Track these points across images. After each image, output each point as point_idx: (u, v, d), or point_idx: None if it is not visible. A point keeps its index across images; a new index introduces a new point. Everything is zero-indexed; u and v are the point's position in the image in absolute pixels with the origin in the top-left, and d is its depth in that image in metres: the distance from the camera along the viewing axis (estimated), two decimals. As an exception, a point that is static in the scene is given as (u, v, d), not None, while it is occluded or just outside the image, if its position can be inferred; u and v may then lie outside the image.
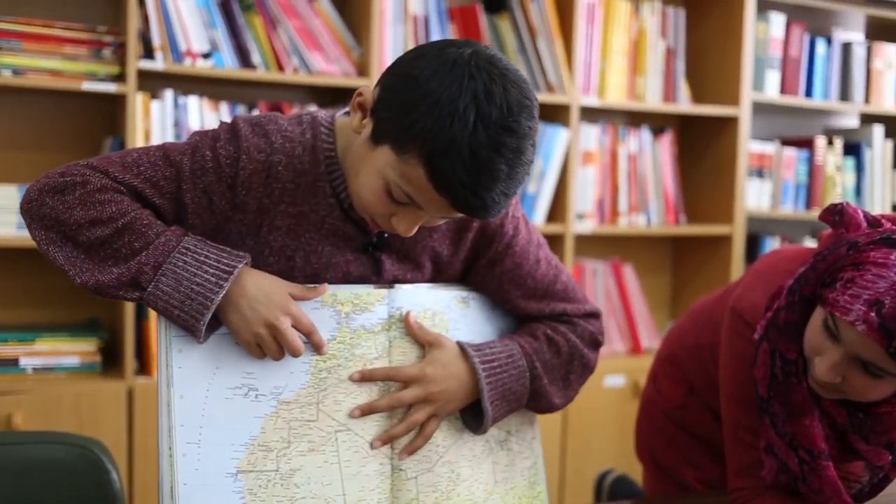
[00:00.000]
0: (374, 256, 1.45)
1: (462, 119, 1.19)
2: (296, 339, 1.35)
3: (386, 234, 1.43)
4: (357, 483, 1.39)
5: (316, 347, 1.38)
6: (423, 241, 1.46)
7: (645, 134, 3.46)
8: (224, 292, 1.31)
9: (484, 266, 1.52)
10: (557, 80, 3.23)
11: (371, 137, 1.29)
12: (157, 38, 2.76)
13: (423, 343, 1.47)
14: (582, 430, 3.25)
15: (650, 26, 3.42)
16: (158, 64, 2.75)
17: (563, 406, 1.57)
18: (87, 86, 2.68)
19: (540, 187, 3.23)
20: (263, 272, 1.37)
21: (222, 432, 1.34)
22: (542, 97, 3.17)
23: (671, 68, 3.49)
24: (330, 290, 1.41)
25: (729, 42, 3.51)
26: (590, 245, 3.56)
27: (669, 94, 3.49)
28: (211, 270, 1.31)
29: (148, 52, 2.77)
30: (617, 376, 3.29)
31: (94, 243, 1.31)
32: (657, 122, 3.60)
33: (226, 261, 1.32)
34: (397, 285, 1.46)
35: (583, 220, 3.30)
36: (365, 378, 1.42)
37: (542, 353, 1.52)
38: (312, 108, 3.05)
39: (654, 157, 3.49)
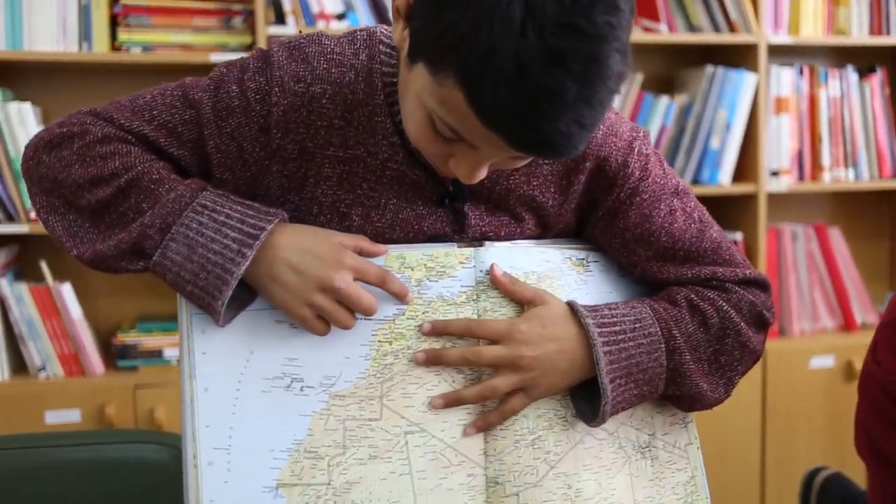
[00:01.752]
0: (455, 209, 1.14)
1: (503, 17, 0.86)
2: (366, 294, 1.07)
3: None
4: (436, 500, 1.09)
5: (400, 297, 1.10)
6: (519, 187, 1.14)
7: (850, 74, 3.08)
8: (247, 262, 1.03)
9: (603, 218, 1.18)
10: (739, 16, 2.89)
11: (408, 53, 0.98)
12: (287, 2, 2.66)
13: (520, 300, 1.14)
14: (785, 420, 2.94)
15: (851, -53, 3.03)
16: (290, 29, 2.66)
17: (715, 399, 1.19)
18: (216, 57, 2.59)
19: (725, 141, 2.90)
20: (301, 226, 1.10)
21: (259, 435, 1.07)
22: (724, 38, 2.89)
23: (880, -6, 3.08)
24: (395, 250, 1.11)
25: (951, -41, 3.07)
26: (787, 206, 3.23)
27: (878, 25, 3.08)
28: (232, 234, 1.04)
29: (279, 18, 2.67)
30: (825, 357, 2.96)
31: (97, 207, 1.08)
32: (864, 60, 3.20)
33: (252, 220, 1.05)
34: (488, 243, 1.15)
35: (778, 177, 2.98)
36: (437, 330, 1.11)
37: (682, 321, 1.16)
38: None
39: (863, 100, 3.10)
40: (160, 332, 2.62)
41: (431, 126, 0.98)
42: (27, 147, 1.13)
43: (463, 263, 1.13)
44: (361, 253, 1.10)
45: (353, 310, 1.08)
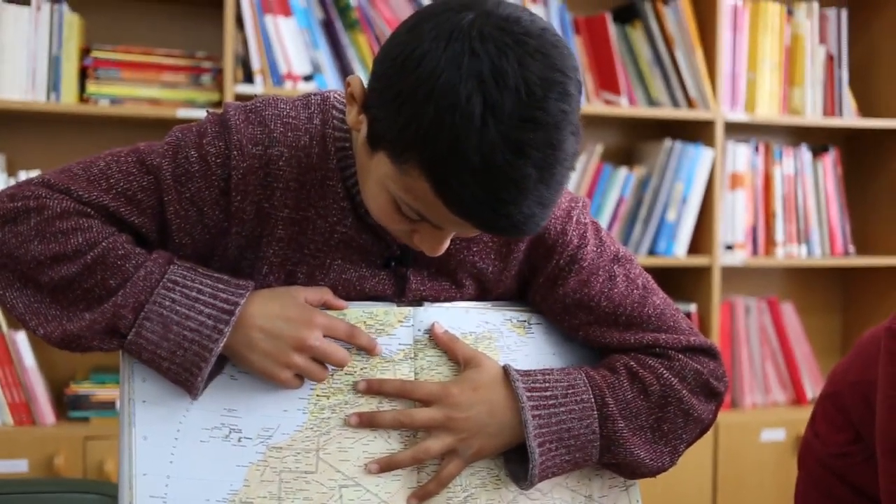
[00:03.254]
0: (398, 272, 1.17)
1: (464, 113, 0.90)
2: (338, 348, 1.12)
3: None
4: (368, 554, 1.11)
5: (369, 350, 1.14)
6: (460, 253, 1.17)
7: (804, 153, 3.15)
8: (225, 338, 1.07)
9: (543, 285, 1.21)
10: (699, 94, 2.95)
11: (367, 140, 1.01)
12: (256, 62, 2.68)
13: (457, 360, 1.17)
14: (735, 491, 2.94)
15: (806, 31, 3.11)
16: (258, 88, 2.67)
17: (656, 467, 1.20)
18: (183, 113, 2.60)
19: (681, 214, 2.94)
20: (266, 291, 1.12)
21: (195, 485, 1.08)
22: (682, 113, 2.94)
23: (833, 78, 3.15)
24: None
25: (902, 46, 3.17)
26: (741, 279, 3.27)
27: (832, 107, 3.16)
28: (206, 310, 1.07)
29: (247, 77, 2.69)
30: (776, 430, 2.97)
31: (60, 284, 1.07)
32: (818, 140, 3.28)
33: (223, 295, 1.08)
34: (426, 303, 1.17)
35: (732, 251, 3.02)
36: (372, 389, 1.13)
37: (619, 389, 1.17)
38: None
39: (816, 179, 3.16)
40: (114, 383, 2.58)
41: (396, 209, 1.01)
42: None
43: (402, 322, 1.16)
44: (325, 306, 1.13)
45: (328, 363, 1.11)
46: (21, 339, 2.49)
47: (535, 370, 1.18)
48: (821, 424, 1.65)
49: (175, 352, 1.06)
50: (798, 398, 3.11)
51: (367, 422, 1.13)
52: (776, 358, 3.13)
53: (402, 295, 1.17)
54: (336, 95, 1.15)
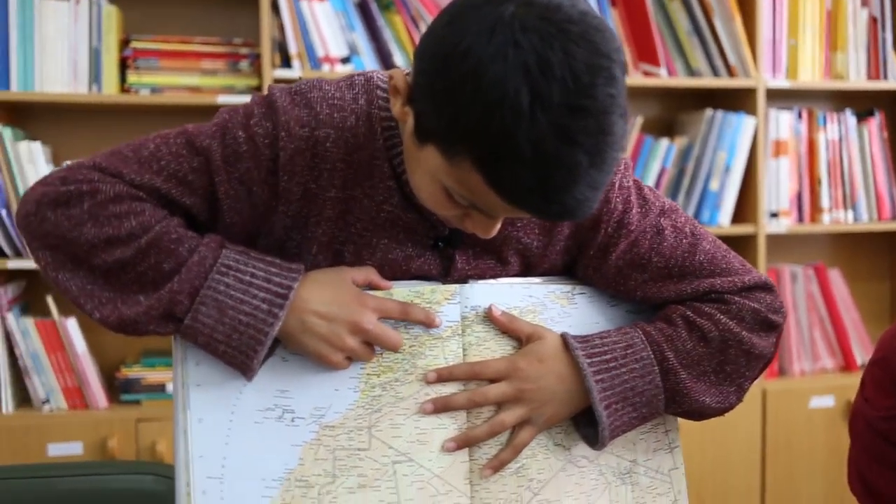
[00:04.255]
0: (444, 253, 1.18)
1: (513, 106, 0.91)
2: (392, 331, 1.13)
3: None
4: (423, 528, 1.12)
5: (427, 323, 1.15)
6: (505, 229, 1.17)
7: (849, 118, 3.10)
8: (280, 322, 1.08)
9: (594, 256, 1.21)
10: (739, 61, 2.93)
11: (414, 134, 1.02)
12: (293, 46, 2.70)
13: (518, 336, 1.18)
14: (785, 460, 2.93)
15: (848, -7, 3.06)
16: (296, 72, 2.70)
17: (723, 408, 1.22)
18: (223, 99, 2.63)
19: (724, 184, 2.93)
20: (317, 274, 1.13)
21: (251, 464, 1.10)
22: (723, 82, 2.93)
23: (877, 40, 3.10)
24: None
25: (947, 5, 3.10)
26: (787, 247, 3.23)
27: (876, 70, 3.11)
28: (261, 294, 1.08)
29: (285, 61, 2.71)
30: (825, 397, 2.96)
31: (113, 267, 1.08)
32: (863, 104, 3.22)
33: (277, 279, 1.09)
34: (472, 281, 1.18)
35: (777, 218, 2.99)
36: (442, 377, 1.15)
37: (678, 340, 1.18)
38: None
39: (861, 143, 3.12)
40: (163, 366, 2.63)
41: (448, 197, 1.02)
42: (26, 201, 1.10)
43: (448, 299, 1.16)
44: (371, 286, 1.14)
45: (382, 347, 1.13)
46: (72, 324, 2.53)
47: (592, 335, 1.19)
48: (870, 390, 1.65)
49: (231, 335, 1.07)
50: (847, 365, 3.08)
51: (442, 406, 1.14)
52: (824, 325, 3.10)
53: (447, 275, 1.18)
54: (379, 75, 1.15)
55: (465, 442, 1.15)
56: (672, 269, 1.21)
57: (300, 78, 1.23)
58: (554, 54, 0.91)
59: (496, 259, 1.20)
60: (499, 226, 1.07)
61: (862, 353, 3.12)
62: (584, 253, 1.21)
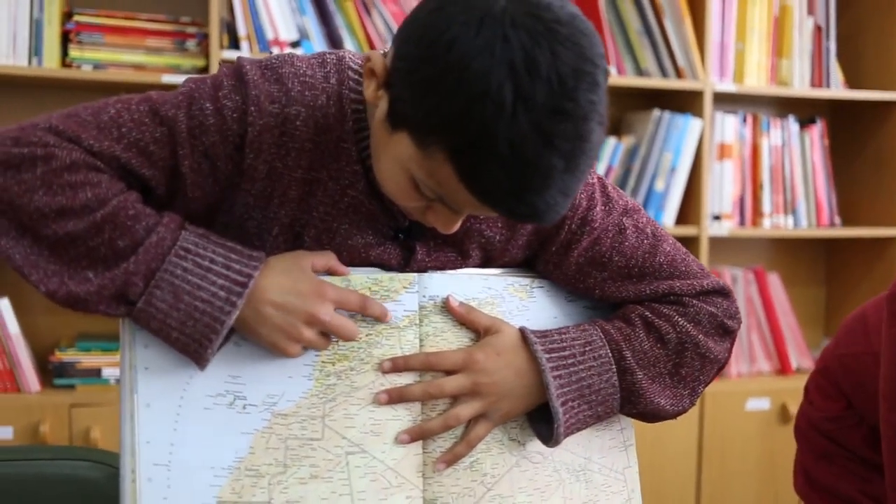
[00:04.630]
0: (405, 244, 1.16)
1: (495, 102, 0.89)
2: (348, 322, 1.10)
3: None
4: (374, 521, 1.10)
5: (381, 318, 1.12)
6: (467, 221, 1.16)
7: (791, 124, 3.14)
8: (237, 311, 1.04)
9: (556, 252, 1.20)
10: (687, 63, 2.95)
11: (387, 119, 1.00)
12: (242, 28, 2.65)
13: (476, 328, 1.17)
14: (720, 460, 2.96)
15: (795, 1, 3.10)
16: (244, 54, 2.65)
17: (676, 411, 1.22)
18: (168, 78, 2.56)
19: (669, 184, 2.94)
20: (276, 261, 1.09)
21: (200, 452, 1.07)
22: (671, 83, 2.94)
23: (821, 49, 3.15)
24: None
25: (889, 17, 3.15)
26: (728, 250, 3.27)
27: (819, 78, 3.15)
28: (219, 281, 1.04)
29: (233, 43, 2.66)
30: (761, 399, 2.99)
31: (63, 239, 1.02)
32: (805, 111, 3.27)
33: (237, 266, 1.05)
34: (430, 271, 1.16)
35: (719, 221, 3.02)
36: (398, 367, 1.13)
37: (636, 339, 1.18)
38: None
39: (803, 149, 3.16)
40: (99, 351, 2.57)
41: (413, 186, 1.00)
42: None
43: (406, 288, 1.14)
44: (330, 272, 1.11)
45: (338, 338, 1.10)
46: (5, 305, 2.46)
47: (551, 330, 1.18)
48: (814, 395, 1.70)
49: (185, 322, 1.03)
50: (783, 368, 3.12)
51: (397, 397, 1.12)
52: (762, 328, 3.14)
53: (407, 266, 1.16)
54: (351, 56, 1.12)
55: (419, 435, 1.13)
56: (632, 268, 1.21)
57: (270, 53, 1.19)
58: (542, 54, 0.90)
59: (457, 252, 1.18)
60: (459, 223, 1.05)
61: (797, 357, 3.16)
62: (546, 249, 1.20)
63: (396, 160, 1.00)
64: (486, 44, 0.90)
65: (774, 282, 3.18)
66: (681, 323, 1.19)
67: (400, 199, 1.04)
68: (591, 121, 0.93)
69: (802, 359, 3.17)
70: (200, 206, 1.09)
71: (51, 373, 2.54)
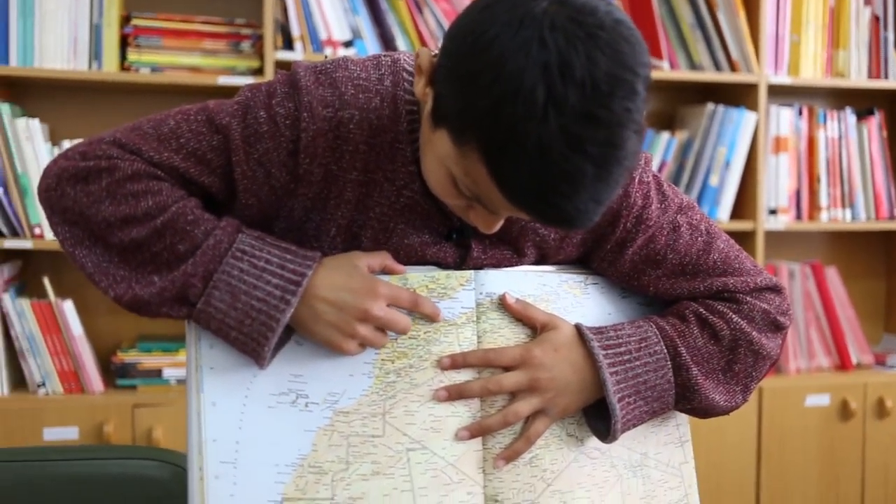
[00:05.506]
0: (461, 242, 1.17)
1: (527, 102, 0.89)
2: (401, 317, 1.11)
3: None
4: (436, 517, 1.11)
5: (432, 317, 1.13)
6: (521, 221, 1.16)
7: (849, 116, 3.10)
8: (292, 309, 1.06)
9: (611, 251, 1.20)
10: (741, 56, 2.92)
11: (431, 116, 1.01)
12: (296, 28, 2.67)
13: (533, 325, 1.17)
14: (780, 456, 2.93)
15: (852, -9, 3.05)
16: (298, 55, 2.68)
17: (730, 407, 1.22)
18: (224, 80, 2.60)
19: (724, 179, 2.92)
20: (331, 260, 1.11)
21: (264, 450, 1.08)
22: (725, 77, 2.92)
23: (878, 39, 3.10)
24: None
25: (950, 5, 3.10)
26: (785, 244, 3.23)
27: (877, 69, 3.11)
28: (274, 280, 1.06)
29: (287, 43, 2.69)
30: (821, 395, 2.96)
31: (129, 246, 1.07)
32: (863, 103, 3.22)
33: (291, 266, 1.07)
34: (487, 268, 1.17)
35: (776, 215, 2.99)
36: (457, 364, 1.13)
37: (690, 336, 1.18)
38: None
39: (861, 142, 3.11)
40: (160, 351, 2.61)
41: (453, 184, 1.01)
42: (47, 175, 1.10)
43: (463, 286, 1.15)
44: (386, 271, 1.13)
45: (392, 331, 1.12)
46: (68, 307, 2.51)
47: (606, 326, 1.18)
48: None
49: (243, 321, 1.06)
50: (843, 364, 3.07)
51: (456, 394, 1.13)
52: (820, 323, 3.10)
53: (463, 264, 1.17)
54: (406, 58, 1.13)
55: (479, 431, 1.14)
56: (686, 266, 1.21)
57: (325, 58, 1.21)
58: (577, 57, 0.90)
59: (512, 250, 1.19)
60: (501, 223, 1.06)
61: (857, 353, 3.12)
62: (601, 247, 1.20)
63: (437, 157, 1.01)
64: (523, 44, 0.90)
65: (832, 276, 3.13)
66: (734, 320, 1.19)
67: (442, 195, 1.05)
68: (625, 128, 0.92)
69: (863, 354, 3.13)
70: (257, 213, 1.11)
71: (113, 373, 2.59)
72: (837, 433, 2.92)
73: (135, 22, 2.59)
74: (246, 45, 2.68)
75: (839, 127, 3.06)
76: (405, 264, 1.14)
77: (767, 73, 2.91)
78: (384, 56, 1.13)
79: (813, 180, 3.03)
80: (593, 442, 1.20)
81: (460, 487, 1.12)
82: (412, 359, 1.12)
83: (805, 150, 3.03)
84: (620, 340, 1.17)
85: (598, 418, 1.19)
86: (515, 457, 1.15)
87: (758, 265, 1.25)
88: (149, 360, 2.60)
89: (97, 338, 2.66)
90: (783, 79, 2.94)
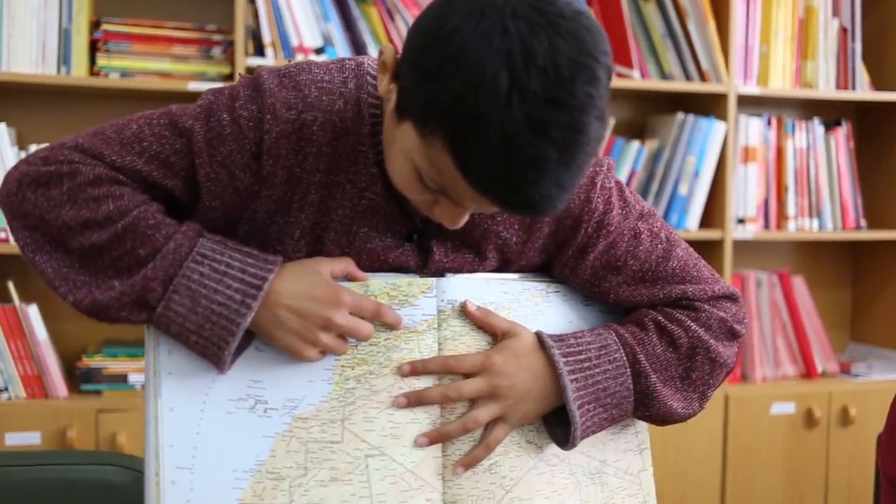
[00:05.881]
0: (422, 245, 1.17)
1: (490, 90, 0.90)
2: (364, 324, 1.12)
3: None
4: (394, 523, 1.11)
5: (394, 326, 1.14)
6: (484, 222, 1.17)
7: (817, 126, 3.12)
8: (252, 313, 1.06)
9: (573, 256, 1.21)
10: (711, 66, 2.94)
11: (395, 110, 1.02)
12: (267, 35, 2.67)
13: (494, 332, 1.18)
14: (745, 464, 2.94)
15: (820, 3, 3.08)
16: (269, 61, 2.67)
17: (687, 414, 1.23)
18: (194, 86, 2.59)
19: (693, 188, 2.93)
20: (294, 266, 1.12)
21: (222, 455, 1.08)
22: (695, 86, 2.94)
23: (846, 50, 3.13)
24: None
25: (916, 18, 3.13)
26: (752, 253, 3.26)
27: (844, 80, 3.13)
28: (235, 284, 1.06)
29: (258, 50, 2.68)
30: (786, 403, 2.97)
31: (89, 251, 1.07)
32: (831, 113, 3.25)
33: (252, 270, 1.07)
34: (448, 275, 1.17)
35: (744, 224, 3.01)
36: (416, 370, 1.14)
37: (649, 344, 1.19)
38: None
39: (828, 152, 3.14)
40: (126, 356, 2.60)
41: (418, 178, 1.01)
42: (8, 180, 1.10)
43: (425, 293, 1.15)
44: (348, 277, 1.13)
45: (354, 338, 1.12)
46: (33, 311, 2.49)
47: (566, 334, 1.19)
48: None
49: (203, 325, 1.06)
50: (808, 372, 3.09)
51: (416, 400, 1.14)
52: (786, 331, 3.12)
53: (425, 267, 1.18)
54: (370, 61, 1.15)
55: (438, 438, 1.14)
56: (646, 273, 1.22)
57: (288, 62, 1.21)
58: (539, 44, 0.91)
59: (474, 253, 1.19)
60: (465, 218, 1.06)
61: (823, 361, 3.14)
62: (562, 252, 1.21)
63: (402, 151, 1.02)
64: (484, 33, 0.91)
65: (799, 285, 3.16)
66: (692, 328, 1.20)
67: (407, 191, 1.06)
68: (587, 113, 0.93)
69: (828, 363, 3.15)
70: (221, 217, 1.12)
71: (78, 378, 2.57)
72: (802, 441, 2.95)
73: (105, 27, 2.58)
74: (217, 51, 2.67)
75: (807, 137, 3.09)
76: (367, 268, 1.15)
77: (737, 83, 2.93)
78: (348, 60, 1.14)
79: (781, 190, 3.05)
80: (553, 449, 1.21)
81: (419, 494, 1.12)
82: (372, 365, 1.13)
83: (773, 159, 3.06)
84: (581, 348, 1.17)
85: (557, 425, 1.19)
86: (475, 463, 1.15)
87: (715, 273, 1.26)
88: (114, 365, 2.58)
89: (62, 342, 2.64)
90: (752, 89, 2.96)
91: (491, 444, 1.15)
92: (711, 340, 1.21)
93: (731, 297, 1.25)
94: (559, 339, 1.18)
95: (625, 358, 1.18)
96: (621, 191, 1.22)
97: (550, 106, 0.91)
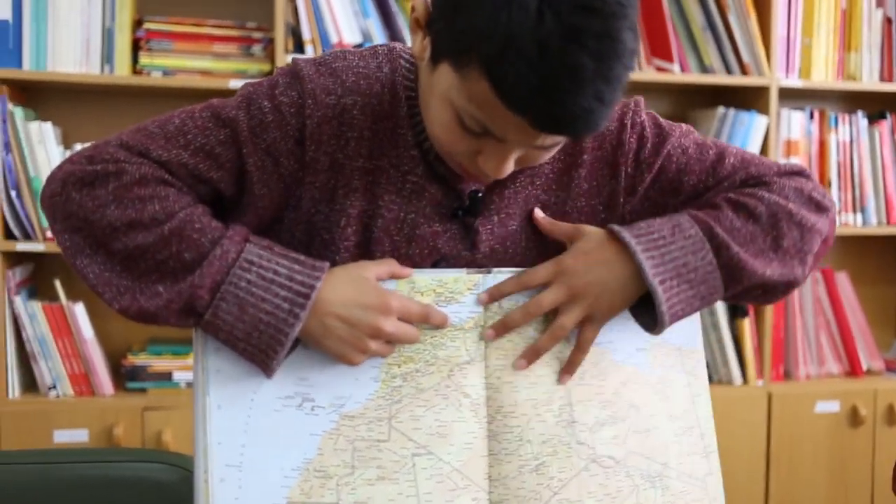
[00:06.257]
0: (467, 223, 1.17)
1: (521, 5, 0.92)
2: (411, 330, 1.12)
3: (480, 193, 1.16)
4: (440, 522, 1.11)
5: (440, 326, 1.14)
6: (525, 189, 1.19)
7: (860, 119, 3.08)
8: (301, 323, 1.06)
9: (627, 201, 1.21)
10: (752, 59, 2.91)
11: (431, 58, 1.03)
12: (307, 31, 2.68)
13: (560, 238, 1.19)
14: (789, 462, 2.92)
15: (864, -6, 3.04)
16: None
17: (787, 281, 1.18)
18: (235, 83, 2.61)
19: (734, 183, 2.86)
20: (340, 271, 1.11)
21: (270, 453, 1.09)
22: (736, 80, 2.90)
23: (891, 41, 3.08)
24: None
25: (963, 8, 3.08)
26: (795, 249, 3.15)
27: (889, 71, 3.08)
28: (282, 293, 1.06)
29: (298, 47, 2.69)
30: (830, 402, 2.94)
31: (133, 253, 1.06)
32: (874, 106, 3.19)
33: (299, 277, 1.07)
34: (495, 270, 1.17)
35: (786, 219, 2.91)
36: (493, 297, 1.15)
37: (725, 219, 1.16)
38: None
39: (872, 145, 3.09)
40: (170, 354, 2.62)
41: (459, 124, 1.02)
42: (52, 180, 1.09)
43: (471, 289, 1.15)
44: (393, 276, 1.13)
45: (401, 344, 1.13)
46: (80, 310, 2.52)
47: (635, 223, 1.18)
48: None
49: (251, 333, 1.06)
50: (853, 370, 3.06)
51: (502, 327, 1.14)
52: (830, 329, 3.08)
53: (473, 248, 1.17)
54: (401, 46, 1.16)
55: (534, 354, 1.14)
56: (707, 180, 1.21)
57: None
58: None
59: (517, 224, 1.20)
60: (511, 165, 1.06)
61: (867, 359, 3.10)
62: (612, 210, 1.21)
63: (440, 97, 1.02)
64: None
65: (843, 281, 3.12)
66: (767, 196, 1.17)
67: (448, 142, 1.05)
68: (619, 20, 0.94)
69: (873, 360, 3.11)
70: (268, 205, 1.12)
71: (124, 376, 2.60)
72: (847, 440, 2.91)
73: (147, 26, 2.60)
74: (257, 49, 2.69)
75: (850, 130, 3.05)
76: (418, 255, 1.15)
77: (778, 76, 2.90)
78: (380, 46, 1.16)
79: (824, 184, 3.02)
80: (608, 450, 1.18)
81: (465, 493, 1.12)
82: (418, 363, 1.12)
83: (816, 153, 3.02)
84: (652, 229, 1.15)
85: (646, 313, 1.18)
86: (575, 368, 1.16)
87: (777, 162, 1.25)
88: (159, 363, 2.61)
89: (108, 341, 2.67)
90: (794, 82, 2.93)
91: (583, 346, 1.16)
92: (791, 205, 1.18)
93: (801, 174, 1.22)
94: (629, 226, 1.17)
95: (700, 233, 1.15)
96: (655, 120, 1.22)
97: (582, 12, 0.92)
